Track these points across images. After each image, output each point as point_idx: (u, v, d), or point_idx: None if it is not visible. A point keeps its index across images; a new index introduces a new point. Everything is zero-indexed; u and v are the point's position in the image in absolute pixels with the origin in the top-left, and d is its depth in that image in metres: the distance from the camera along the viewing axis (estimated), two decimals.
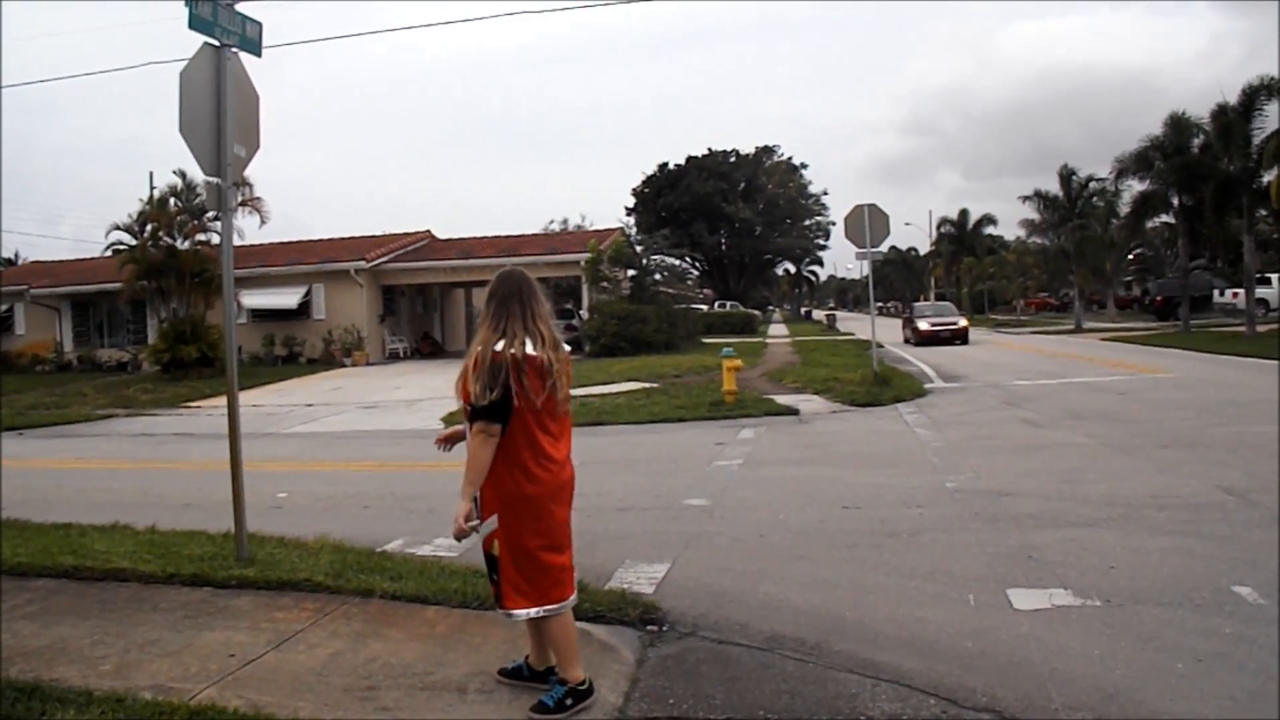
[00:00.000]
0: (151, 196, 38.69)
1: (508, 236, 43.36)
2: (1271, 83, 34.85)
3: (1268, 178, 34.52)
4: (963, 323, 40.22)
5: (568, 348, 4.72)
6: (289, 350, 37.23)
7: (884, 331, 40.12)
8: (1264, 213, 37.21)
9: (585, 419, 17.13)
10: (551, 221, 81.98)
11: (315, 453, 14.86)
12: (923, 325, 39.42)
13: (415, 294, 43.75)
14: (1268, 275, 49.51)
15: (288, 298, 37.34)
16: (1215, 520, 8.25)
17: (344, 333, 36.05)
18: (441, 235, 44.27)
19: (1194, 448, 12.13)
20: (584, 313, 37.76)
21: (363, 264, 37.18)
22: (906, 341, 40.79)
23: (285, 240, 43.01)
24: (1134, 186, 43.16)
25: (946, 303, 51.80)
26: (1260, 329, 35.83)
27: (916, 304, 50.05)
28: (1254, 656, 5.17)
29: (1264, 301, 45.58)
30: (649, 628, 5.85)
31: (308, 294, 37.81)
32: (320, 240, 43.52)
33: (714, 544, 8.08)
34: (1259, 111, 35.31)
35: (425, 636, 5.64)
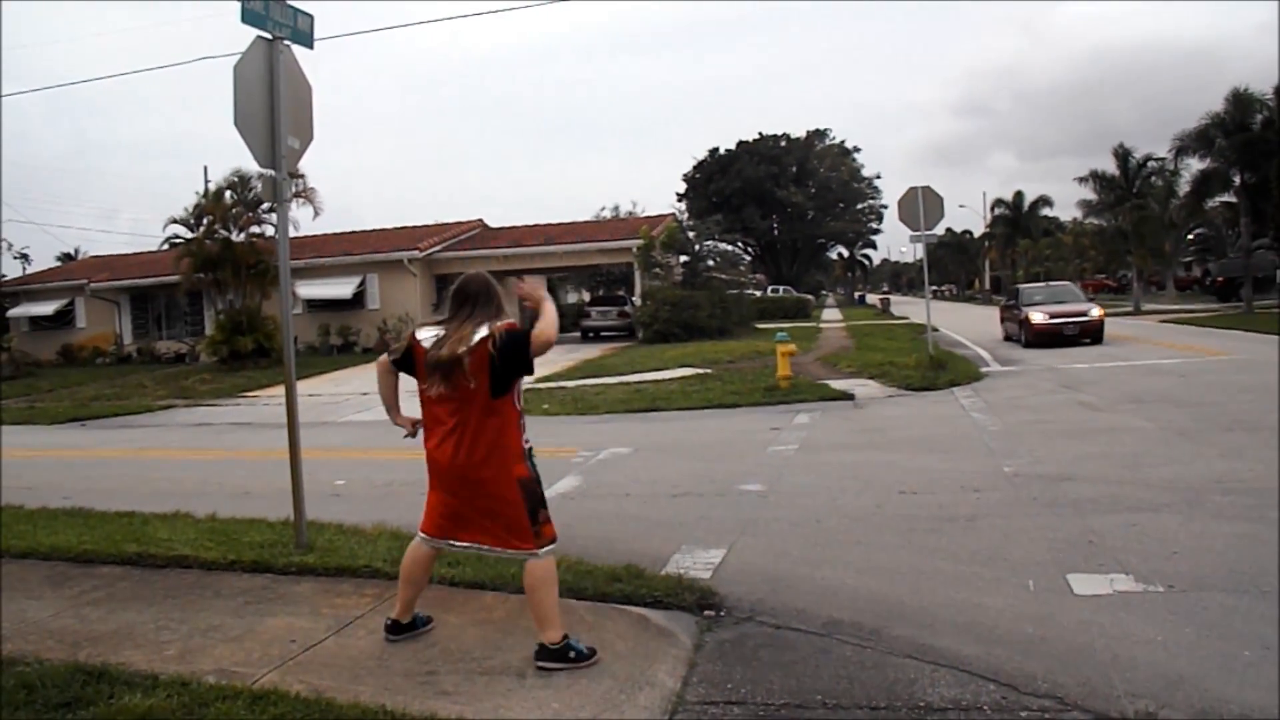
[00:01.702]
0: (207, 190, 39.06)
1: (559, 224, 43.33)
2: None
3: None
4: (1096, 312, 27.40)
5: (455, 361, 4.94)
6: (344, 340, 37.50)
7: (941, 315, 39.77)
8: None
9: (639, 405, 17.20)
10: (603, 209, 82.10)
11: (372, 440, 14.95)
12: (1037, 318, 27.32)
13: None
14: None
15: (342, 288, 37.61)
16: None
17: (398, 321, 36.26)
18: (493, 224, 44.36)
19: (1258, 431, 11.89)
20: (636, 299, 37.75)
21: (416, 254, 37.32)
22: (1008, 339, 30.29)
23: (339, 231, 43.40)
24: (1194, 165, 42.55)
25: (1065, 283, 36.30)
26: None
27: (1023, 287, 33.43)
28: None
29: None
30: (706, 613, 5.84)
31: (362, 284, 38.03)
32: (373, 231, 43.77)
33: (770, 529, 8.05)
34: None
35: (483, 621, 5.67)
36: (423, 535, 5.24)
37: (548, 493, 5.20)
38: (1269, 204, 38.75)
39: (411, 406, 5.34)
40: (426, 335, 5.06)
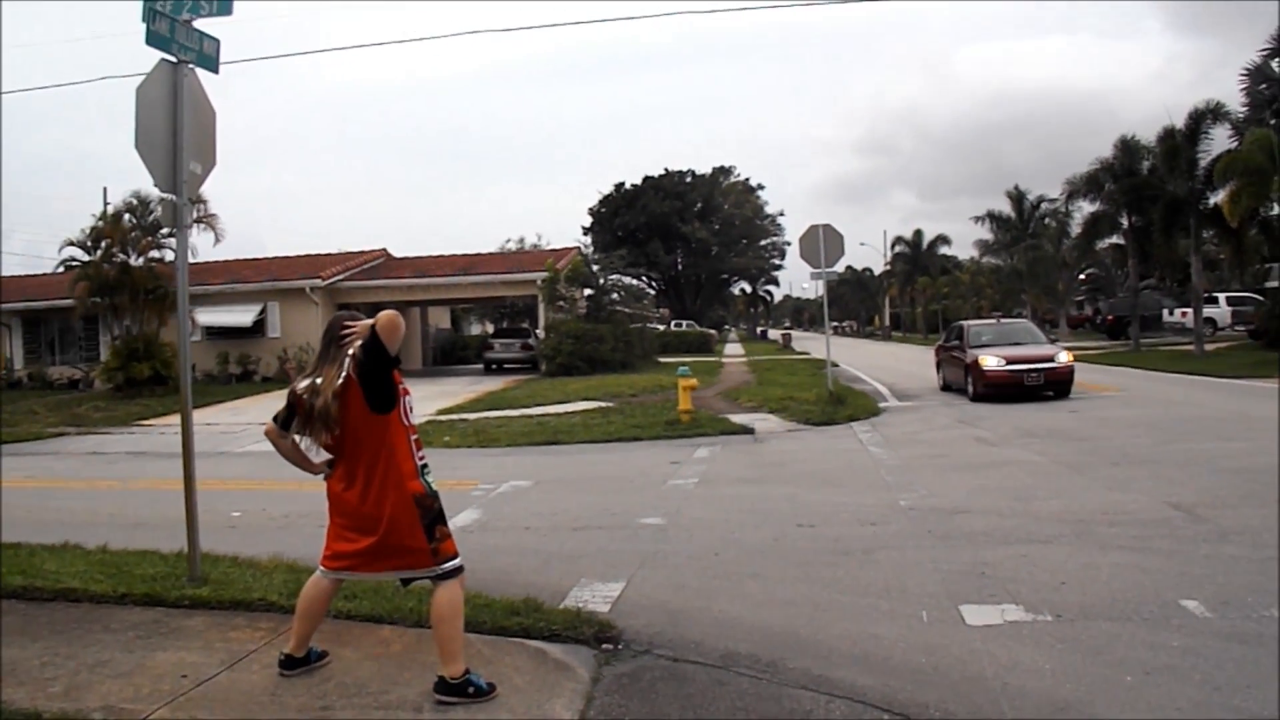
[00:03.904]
0: (105, 212, 38.21)
1: (464, 255, 43.13)
2: (1217, 107, 35.51)
3: (1214, 199, 35.11)
4: (1064, 358, 22.35)
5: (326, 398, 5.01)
6: (243, 368, 36.91)
7: (841, 352, 40.28)
8: (1211, 233, 37.80)
9: (541, 438, 17.20)
10: (509, 240, 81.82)
11: (270, 471, 14.69)
12: (991, 364, 21.91)
13: (371, 312, 43.25)
14: (1215, 295, 50.20)
15: (242, 315, 37.04)
16: (1164, 536, 8.41)
17: (299, 351, 35.75)
18: (398, 254, 44.08)
19: (1144, 465, 12.36)
20: (540, 332, 37.72)
21: (318, 282, 36.92)
22: (948, 389, 25.30)
23: (240, 258, 42.66)
24: (1085, 207, 43.79)
25: (1022, 320, 32.47)
26: (1208, 348, 36.35)
27: (970, 324, 25.88)
28: (1199, 669, 5.27)
29: (1211, 321, 46.16)
30: (604, 646, 5.86)
31: (263, 312, 37.50)
32: (276, 258, 43.16)
33: (669, 562, 8.11)
34: (1205, 135, 35.93)
35: (380, 655, 5.63)
36: (323, 569, 5.20)
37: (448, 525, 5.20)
38: (1154, 247, 39.99)
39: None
40: (304, 387, 5.10)
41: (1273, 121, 34.89)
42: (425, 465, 5.06)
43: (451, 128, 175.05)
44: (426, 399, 24.81)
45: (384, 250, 43.50)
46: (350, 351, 4.99)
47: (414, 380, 34.07)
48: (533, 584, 7.15)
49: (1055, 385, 21.70)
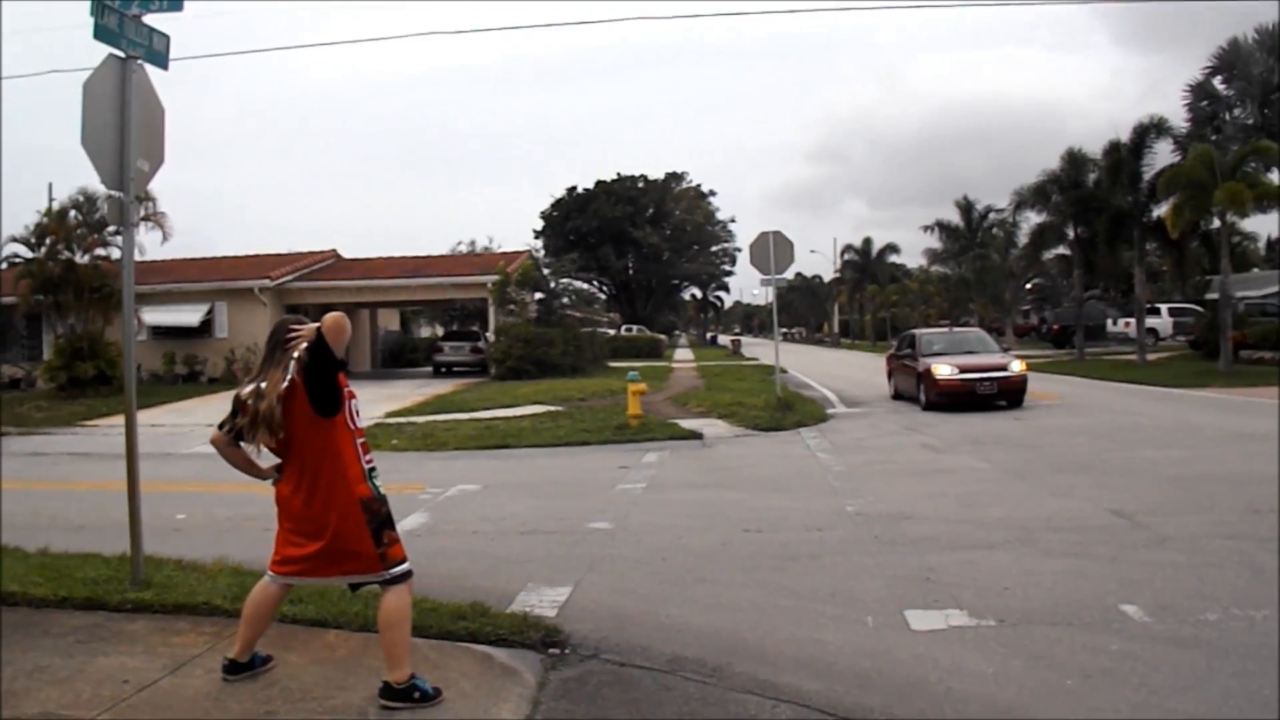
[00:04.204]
0: (50, 208, 37.67)
1: (414, 257, 42.95)
2: (1160, 122, 36.18)
3: (1157, 212, 35.70)
4: (1018, 367, 22.23)
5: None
6: (190, 369, 36.53)
7: (790, 358, 40.51)
8: (1153, 246, 38.43)
9: (490, 442, 17.16)
10: (460, 243, 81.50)
11: (216, 474, 14.45)
12: (943, 372, 21.63)
13: (320, 314, 42.75)
14: (1157, 305, 50.98)
15: (189, 315, 36.66)
16: (1105, 542, 8.54)
17: (246, 352, 35.42)
18: (348, 255, 43.84)
19: (1086, 472, 12.56)
20: (490, 335, 37.63)
21: (267, 283, 36.63)
22: (899, 397, 24.86)
23: (188, 257, 42.19)
24: (1032, 218, 44.46)
25: (974, 329, 32.57)
26: (1150, 357, 36.99)
27: (921, 333, 26.27)
28: (1137, 672, 5.36)
29: (1154, 331, 46.89)
30: (551, 651, 5.86)
31: (210, 312, 37.15)
32: (224, 258, 42.71)
33: (617, 567, 8.13)
34: (1149, 149, 36.55)
35: (325, 660, 5.60)
36: (271, 574, 5.17)
37: (396, 529, 5.18)
38: (1099, 258, 40.61)
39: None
40: (248, 391, 5.06)
41: (1214, 137, 35.64)
42: (373, 469, 5.05)
43: (404, 128, 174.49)
44: (375, 402, 24.69)
45: (334, 251, 43.27)
46: (295, 355, 4.96)
47: (362, 383, 33.90)
48: (480, 588, 7.14)
49: (1008, 394, 21.60)
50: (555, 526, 9.96)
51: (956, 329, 30.06)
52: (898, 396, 24.91)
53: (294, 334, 5.05)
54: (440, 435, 18.31)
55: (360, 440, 5.05)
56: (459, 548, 9.06)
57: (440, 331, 57.71)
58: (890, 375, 26.28)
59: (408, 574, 5.04)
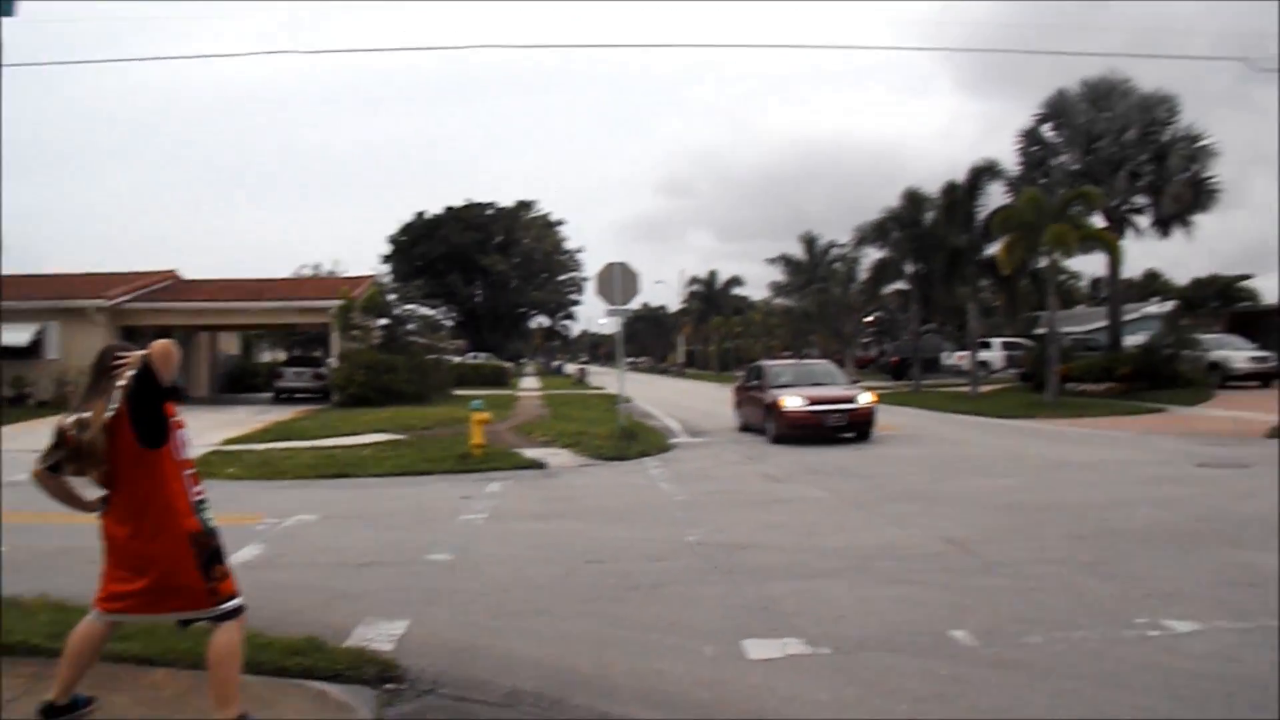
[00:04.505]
0: None
1: (257, 280, 41.96)
2: (993, 165, 37.90)
3: (990, 250, 37.07)
4: (866, 399, 22.06)
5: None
6: (17, 392, 35.05)
7: (635, 387, 40.68)
8: (987, 282, 39.85)
9: (330, 470, 16.83)
10: (304, 266, 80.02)
11: (42, 503, 14.02)
12: (792, 404, 21.40)
13: (156, 336, 41.70)
14: (989, 339, 52.82)
15: (17, 335, 35.09)
16: (936, 569, 8.84)
17: (79, 374, 34.16)
18: (188, 276, 42.60)
19: (921, 501, 12.96)
20: (333, 361, 37.04)
21: (102, 303, 35.41)
22: (747, 429, 24.27)
23: (18, 274, 40.46)
24: (872, 254, 45.73)
25: (822, 361, 30.92)
26: (983, 389, 38.32)
27: (769, 364, 26.38)
28: (966, 695, 5.57)
29: (986, 364, 48.59)
30: (387, 686, 5.80)
31: (40, 332, 35.67)
32: (57, 275, 40.97)
33: (456, 600, 8.06)
34: (983, 190, 38.13)
35: (152, 700, 5.44)
36: (97, 611, 4.99)
37: (228, 563, 5.07)
38: (935, 293, 41.99)
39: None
40: (71, 421, 4.89)
41: (1042, 181, 37.57)
42: (203, 501, 4.93)
43: (248, 146, 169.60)
44: (212, 428, 24.05)
45: (173, 272, 42.01)
46: (121, 383, 4.81)
47: (200, 409, 33.04)
48: (316, 622, 7.01)
49: (856, 426, 21.48)
50: (395, 558, 9.84)
51: (805, 360, 30.51)
52: (745, 428, 24.56)
53: (119, 361, 4.89)
54: (279, 463, 17.91)
55: (189, 471, 4.93)
56: (295, 580, 8.88)
57: (282, 356, 56.51)
58: (737, 406, 26.00)
59: (239, 610, 4.94)
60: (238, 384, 48.27)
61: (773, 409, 21.77)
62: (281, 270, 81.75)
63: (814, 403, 21.30)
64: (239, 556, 9.33)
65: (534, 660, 6.41)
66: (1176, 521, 10.97)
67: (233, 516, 11.02)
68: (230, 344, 52.19)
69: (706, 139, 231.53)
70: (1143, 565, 8.79)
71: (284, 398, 38.54)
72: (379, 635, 6.87)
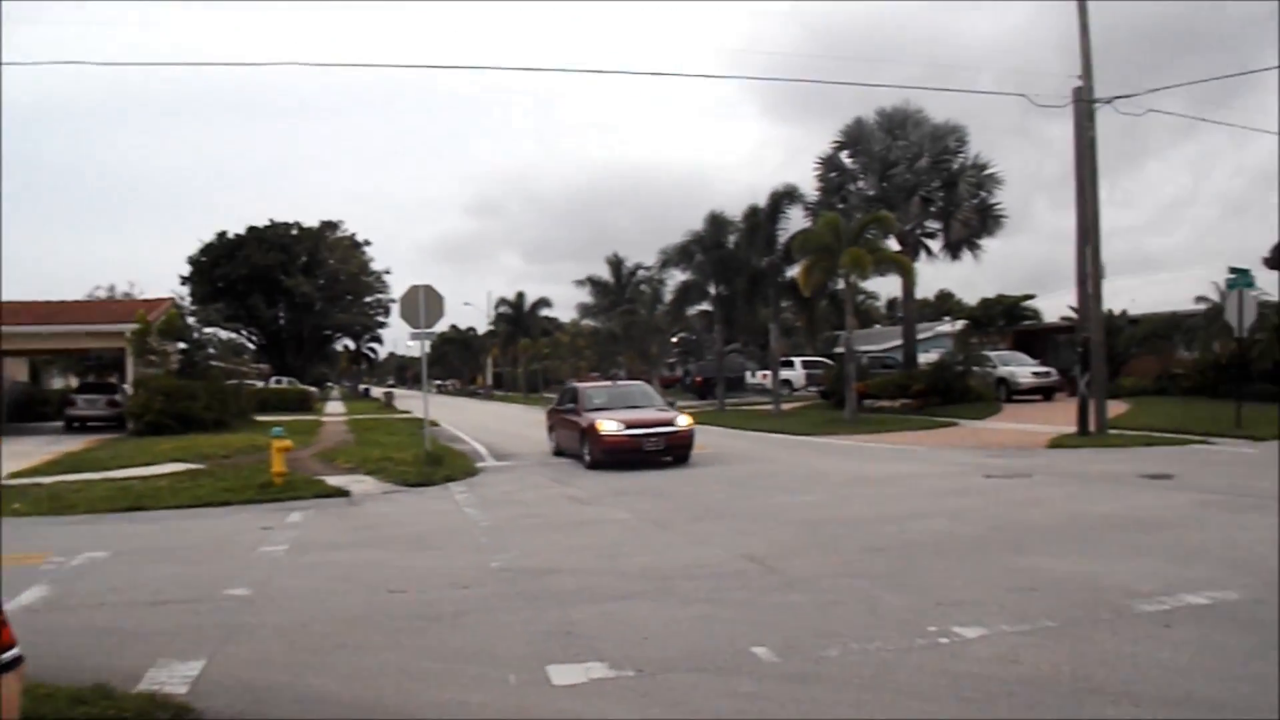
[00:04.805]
0: None
1: (45, 302, 39.97)
2: (793, 190, 39.14)
3: (791, 272, 38.15)
4: (684, 422, 21.74)
5: None
6: None
7: (443, 411, 40.38)
8: (788, 303, 41.00)
9: (124, 504, 16.15)
10: (98, 288, 76.86)
11: None
12: (609, 428, 20.85)
13: None
14: (791, 359, 54.32)
15: None
16: (738, 587, 9.00)
17: None
18: None
19: (724, 519, 13.25)
20: (128, 387, 35.65)
21: None
22: (561, 454, 23.77)
23: None
24: (677, 275, 46.48)
25: (638, 383, 29.10)
26: (785, 407, 39.42)
27: (584, 386, 25.71)
28: (766, 711, 5.69)
29: (788, 382, 49.96)
30: None
31: None
32: None
33: (255, 636, 7.83)
34: (784, 214, 39.28)
35: None
36: None
37: (8, 607, 4.83)
38: (738, 314, 42.96)
39: None
40: None
41: (840, 206, 38.96)
42: None
43: (35, 163, 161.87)
44: None
45: None
46: None
47: None
48: (105, 667, 6.71)
49: (675, 450, 21.00)
50: (191, 595, 9.49)
51: (621, 382, 29.78)
52: (560, 453, 23.86)
53: None
54: (69, 497, 17.09)
55: None
56: (83, 623, 8.49)
57: (75, 383, 54.11)
58: (551, 430, 25.28)
59: (18, 660, 4.69)
60: (25, 413, 45.89)
61: (589, 433, 21.13)
62: (73, 292, 78.50)
63: (631, 426, 20.82)
64: (21, 599, 8.93)
65: (335, 696, 6.29)
66: (966, 532, 11.49)
67: (16, 556, 10.59)
68: (18, 370, 49.67)
69: (516, 160, 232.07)
70: (935, 575, 9.16)
71: (76, 427, 36.92)
72: (172, 677, 6.62)
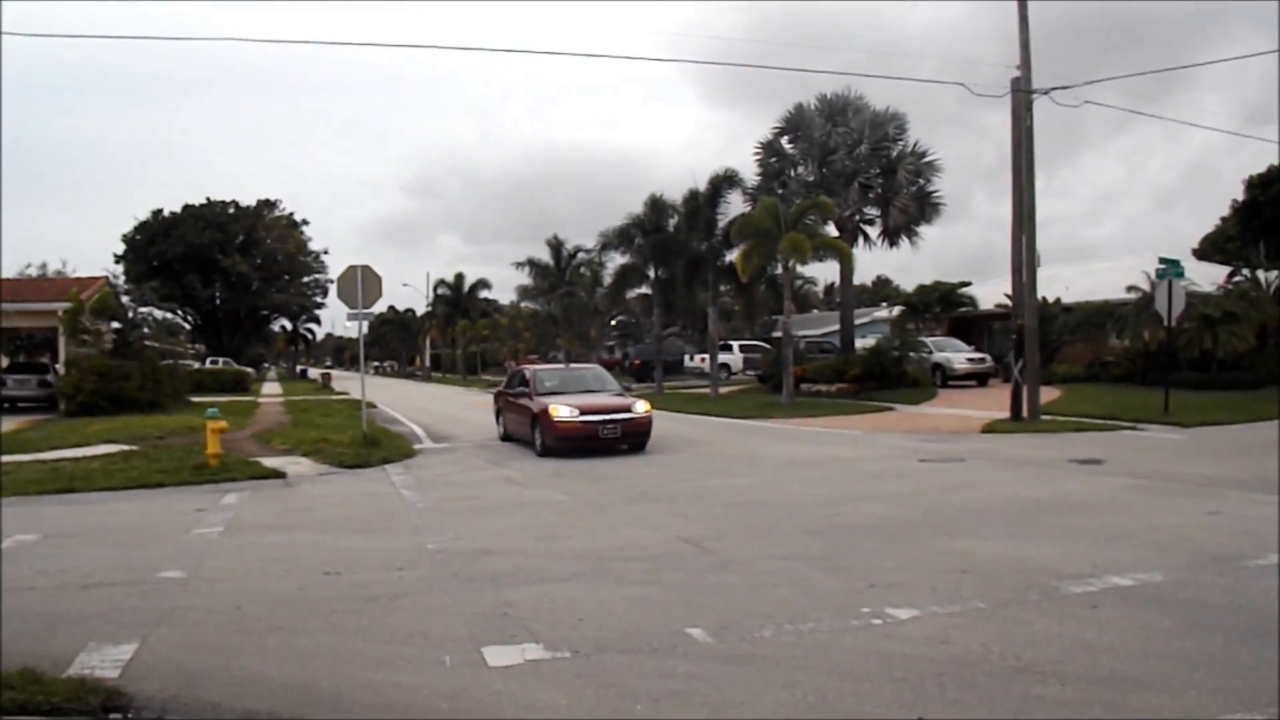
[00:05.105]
0: None
1: None
2: (733, 174, 39.17)
3: (730, 257, 38.24)
4: (642, 408, 20.72)
5: None
6: None
7: (381, 392, 40.17)
8: (727, 287, 41.13)
9: (55, 486, 15.88)
10: (28, 265, 75.60)
11: None
12: (563, 413, 19.72)
13: None
14: (730, 342, 54.56)
15: None
16: (674, 569, 9.08)
17: None
18: None
19: (659, 501, 13.32)
20: (60, 367, 35.12)
21: None
22: (510, 439, 23.00)
23: None
24: (617, 259, 46.43)
25: (591, 366, 27.89)
26: (723, 390, 39.61)
27: (533, 369, 24.01)
28: (701, 692, 5.73)
29: (726, 366, 50.19)
30: (112, 715, 5.55)
31: None
32: None
33: (188, 619, 7.77)
34: (723, 199, 39.31)
35: None
36: None
37: None
38: (677, 297, 43.03)
39: None
40: None
41: (780, 191, 39.10)
42: None
43: None
44: None
45: None
46: None
47: None
48: (33, 652, 6.60)
49: (631, 437, 20.07)
50: (123, 577, 9.38)
51: (574, 365, 28.54)
52: (508, 438, 23.02)
53: None
54: None
55: None
56: (11, 607, 8.32)
57: (4, 363, 53.17)
58: (499, 415, 24.23)
59: None
60: None
61: (541, 418, 20.05)
62: (4, 270, 77.09)
63: (587, 412, 19.79)
64: None
65: (269, 679, 6.26)
66: (900, 515, 11.65)
67: None
68: None
69: (455, 142, 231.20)
70: (868, 557, 9.30)
71: (6, 407, 36.21)
72: (103, 661, 6.56)
